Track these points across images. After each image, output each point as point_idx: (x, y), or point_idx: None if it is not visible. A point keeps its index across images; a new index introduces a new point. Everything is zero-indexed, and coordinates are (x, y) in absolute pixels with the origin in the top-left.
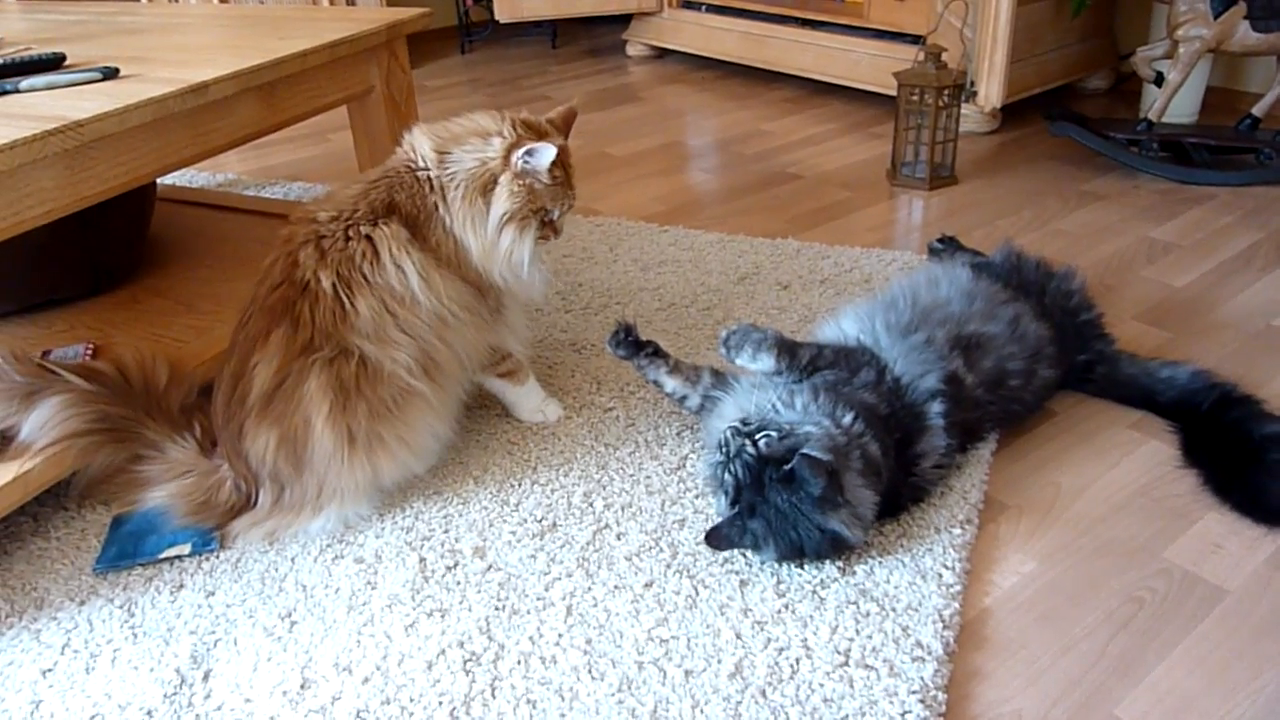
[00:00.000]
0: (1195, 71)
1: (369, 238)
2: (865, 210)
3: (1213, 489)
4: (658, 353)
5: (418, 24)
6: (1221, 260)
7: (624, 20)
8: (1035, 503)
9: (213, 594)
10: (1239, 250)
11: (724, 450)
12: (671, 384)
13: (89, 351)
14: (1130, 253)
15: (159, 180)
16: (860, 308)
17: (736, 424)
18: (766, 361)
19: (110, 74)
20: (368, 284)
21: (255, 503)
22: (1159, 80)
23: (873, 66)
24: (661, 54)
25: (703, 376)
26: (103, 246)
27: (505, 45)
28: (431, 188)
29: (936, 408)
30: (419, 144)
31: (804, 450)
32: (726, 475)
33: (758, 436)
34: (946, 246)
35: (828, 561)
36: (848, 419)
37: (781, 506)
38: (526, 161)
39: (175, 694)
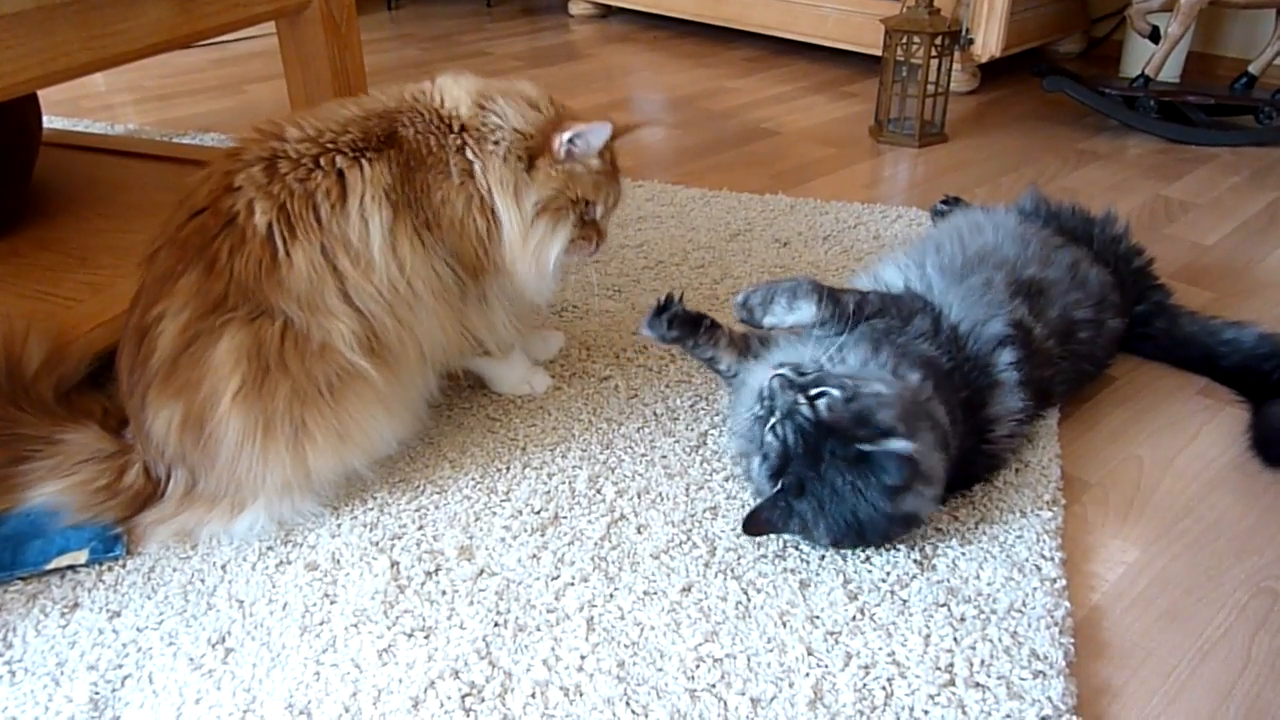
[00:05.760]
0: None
1: (341, 173)
2: (853, 167)
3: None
4: (714, 325)
5: None
6: (1243, 220)
7: None
8: (1119, 480)
9: (118, 614)
10: (1258, 209)
11: (767, 402)
12: (726, 361)
13: None
14: (1148, 211)
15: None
16: (899, 257)
17: (787, 371)
18: (806, 310)
19: None
20: (319, 230)
21: (164, 493)
22: (1155, 35)
23: (842, 23)
24: (606, 13)
25: (751, 344)
26: None
27: (435, 3)
28: (456, 131)
29: (1006, 357)
30: (449, 88)
31: (892, 446)
32: (770, 436)
33: (815, 393)
34: (952, 208)
35: (900, 553)
36: (915, 377)
37: (840, 489)
38: (574, 144)
39: None
